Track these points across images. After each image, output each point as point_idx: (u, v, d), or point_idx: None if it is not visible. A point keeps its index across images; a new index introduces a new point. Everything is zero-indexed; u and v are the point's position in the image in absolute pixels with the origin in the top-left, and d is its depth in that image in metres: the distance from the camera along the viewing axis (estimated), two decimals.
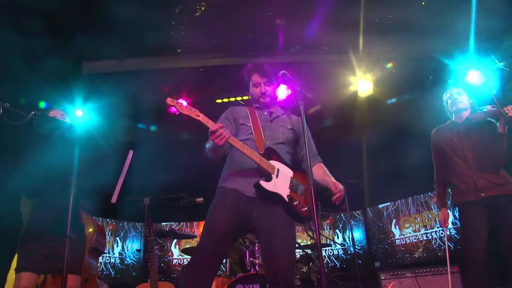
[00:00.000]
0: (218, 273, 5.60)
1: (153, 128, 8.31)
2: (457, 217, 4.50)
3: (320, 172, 3.49)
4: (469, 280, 4.12)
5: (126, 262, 8.18)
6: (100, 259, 7.68)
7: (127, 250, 8.26)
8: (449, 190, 4.52)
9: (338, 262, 8.06)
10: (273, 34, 6.49)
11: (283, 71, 3.45)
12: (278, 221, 3.13)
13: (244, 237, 6.12)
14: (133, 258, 8.32)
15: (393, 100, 7.87)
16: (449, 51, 6.58)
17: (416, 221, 7.59)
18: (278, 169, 3.20)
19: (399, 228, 7.78)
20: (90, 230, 4.67)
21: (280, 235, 3.06)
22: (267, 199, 3.13)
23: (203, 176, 7.94)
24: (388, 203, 8.04)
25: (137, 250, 8.31)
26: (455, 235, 7.00)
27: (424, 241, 7.39)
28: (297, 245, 6.11)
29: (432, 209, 7.44)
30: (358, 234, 8.28)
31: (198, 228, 8.67)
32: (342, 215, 8.28)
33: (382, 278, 6.57)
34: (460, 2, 5.80)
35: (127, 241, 8.32)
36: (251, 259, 5.36)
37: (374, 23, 6.25)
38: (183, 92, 7.58)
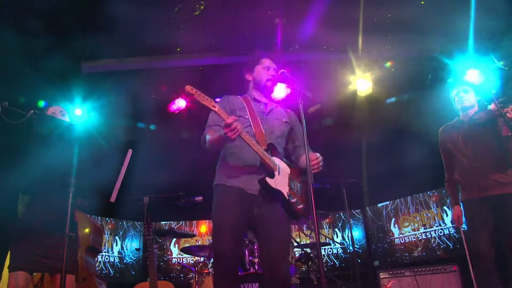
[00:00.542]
0: None
1: (152, 127, 8.30)
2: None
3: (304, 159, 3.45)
4: (478, 278, 4.12)
5: (125, 261, 8.17)
6: (100, 258, 7.68)
7: (126, 249, 8.26)
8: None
9: (337, 261, 8.07)
10: (273, 33, 6.48)
11: (282, 70, 3.46)
12: (277, 219, 3.13)
13: (244, 237, 6.13)
14: (132, 257, 8.32)
15: (393, 99, 7.87)
16: (448, 50, 6.58)
17: (415, 220, 7.60)
18: (279, 166, 3.19)
19: (398, 227, 7.79)
20: (87, 229, 4.67)
21: (278, 234, 3.07)
22: (268, 196, 3.13)
23: (202, 175, 7.95)
24: (388, 202, 8.04)
25: (136, 249, 8.31)
26: (454, 234, 7.01)
27: (423, 240, 7.39)
28: (296, 244, 6.12)
29: (431, 208, 7.44)
30: (358, 233, 8.29)
31: (198, 227, 8.67)
32: (342, 214, 8.29)
33: (381, 277, 6.58)
34: (460, 2, 5.80)
35: (126, 240, 8.31)
36: (251, 258, 5.35)
37: (374, 22, 6.25)
38: (182, 91, 7.58)
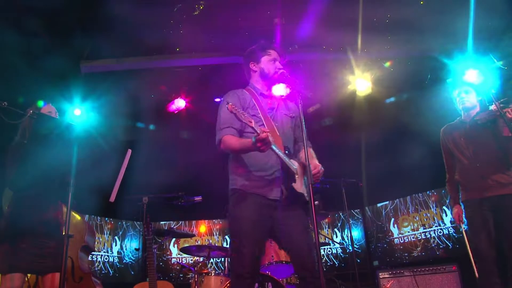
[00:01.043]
0: (217, 272, 5.60)
1: (151, 127, 8.30)
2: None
3: (309, 153, 3.43)
4: (479, 277, 4.13)
5: (124, 261, 8.17)
6: (99, 258, 7.68)
7: (126, 249, 8.25)
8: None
9: (336, 261, 8.07)
10: (272, 33, 6.48)
11: (281, 70, 3.44)
12: (300, 218, 3.11)
13: None
14: (132, 257, 8.32)
15: (392, 99, 7.87)
16: (448, 50, 6.58)
17: (415, 220, 7.60)
18: (296, 168, 3.16)
19: (397, 227, 7.79)
20: (82, 229, 4.67)
21: (302, 231, 3.05)
22: (290, 199, 3.10)
23: (201, 175, 7.98)
24: (387, 202, 8.04)
25: (136, 249, 8.31)
26: (454, 234, 7.01)
27: (422, 240, 7.39)
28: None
29: (430, 208, 7.44)
30: (357, 233, 8.28)
31: (197, 227, 8.66)
32: (341, 213, 8.28)
33: (381, 277, 6.58)
34: (459, 1, 5.80)
35: (126, 240, 8.31)
36: None
37: (373, 22, 6.25)
38: (181, 91, 7.59)
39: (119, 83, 6.88)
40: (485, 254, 4.03)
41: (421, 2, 6.01)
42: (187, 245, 6.47)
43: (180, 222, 8.71)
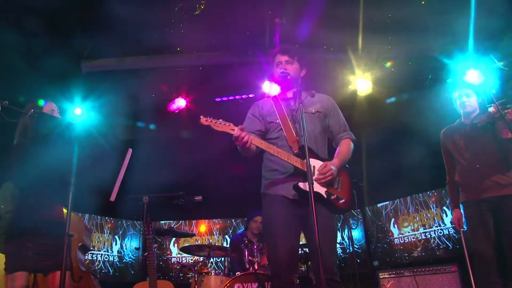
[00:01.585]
0: (217, 271, 5.61)
1: (152, 126, 8.31)
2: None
3: (337, 150, 3.49)
4: (478, 278, 4.16)
5: (124, 260, 8.17)
6: (99, 257, 7.69)
7: (126, 249, 8.25)
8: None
9: (337, 261, 8.06)
10: (272, 32, 6.48)
11: (282, 70, 3.46)
12: (320, 218, 3.12)
13: (243, 236, 6.13)
14: (132, 257, 8.32)
15: (392, 99, 7.87)
16: (448, 50, 6.58)
17: (415, 220, 7.59)
18: (313, 166, 3.19)
19: (397, 227, 7.78)
20: (80, 228, 4.68)
21: (322, 230, 3.01)
22: (307, 198, 3.12)
23: (202, 174, 7.99)
24: (387, 202, 8.04)
25: (136, 249, 8.31)
26: (454, 234, 7.01)
27: (422, 240, 7.39)
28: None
29: (430, 208, 7.44)
30: (357, 233, 8.28)
31: (197, 226, 8.67)
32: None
33: (381, 277, 6.58)
34: (460, 2, 5.80)
35: (126, 239, 8.31)
36: (250, 257, 5.35)
37: (374, 22, 6.25)
38: (182, 91, 7.59)
39: (119, 83, 6.88)
40: (484, 254, 4.04)
41: (422, 2, 6.01)
42: (187, 244, 6.47)
43: (180, 222, 8.71)
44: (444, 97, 4.92)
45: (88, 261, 7.43)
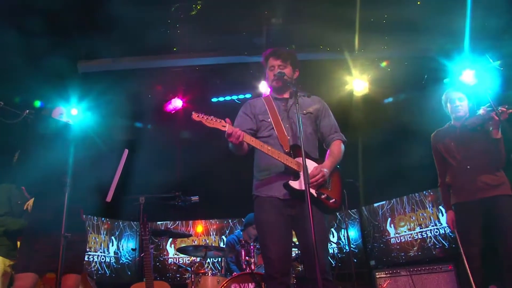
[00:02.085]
0: (213, 272, 5.61)
1: (148, 127, 8.30)
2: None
3: (328, 152, 3.52)
4: (466, 277, 4.18)
5: (121, 261, 8.16)
6: (95, 258, 7.66)
7: (123, 249, 8.24)
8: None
9: (333, 261, 8.07)
10: (269, 33, 6.49)
11: (279, 70, 3.48)
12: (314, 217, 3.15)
13: (239, 237, 6.13)
14: (129, 257, 8.31)
15: (389, 99, 7.89)
16: (445, 50, 6.60)
17: (411, 219, 7.60)
18: (304, 165, 3.20)
19: (394, 226, 7.80)
20: None
21: (314, 229, 3.06)
22: (298, 197, 3.16)
23: (198, 175, 7.98)
24: (383, 202, 8.05)
25: (133, 249, 8.30)
26: (450, 234, 7.02)
27: (419, 240, 7.40)
28: (292, 244, 6.12)
29: (427, 208, 7.45)
30: (354, 232, 8.29)
31: (194, 227, 8.66)
32: (337, 213, 8.29)
33: (377, 276, 6.59)
34: (456, 1, 5.82)
35: (123, 240, 8.29)
36: (247, 258, 5.36)
37: (370, 22, 6.27)
38: (179, 91, 7.59)
39: (116, 83, 6.87)
40: (475, 255, 4.12)
41: (418, 2, 6.02)
42: (184, 245, 6.47)
43: (177, 222, 8.70)
44: (440, 97, 4.94)
45: (84, 262, 7.40)
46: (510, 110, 4.09)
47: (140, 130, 8.21)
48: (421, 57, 6.97)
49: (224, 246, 6.94)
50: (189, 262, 7.65)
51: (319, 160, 3.40)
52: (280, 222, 3.22)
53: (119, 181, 3.38)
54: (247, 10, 6.08)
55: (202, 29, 6.34)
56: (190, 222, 8.71)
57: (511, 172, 4.45)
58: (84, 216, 3.76)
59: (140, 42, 6.39)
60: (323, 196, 3.28)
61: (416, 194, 7.64)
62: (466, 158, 4.35)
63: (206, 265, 7.86)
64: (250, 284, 4.93)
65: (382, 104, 7.85)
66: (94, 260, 7.68)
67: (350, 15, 5.99)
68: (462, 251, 4.49)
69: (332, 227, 8.37)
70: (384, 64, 7.12)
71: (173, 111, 7.65)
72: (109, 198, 3.32)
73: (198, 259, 6.03)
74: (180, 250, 5.73)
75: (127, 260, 8.28)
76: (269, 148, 3.19)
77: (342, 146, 3.57)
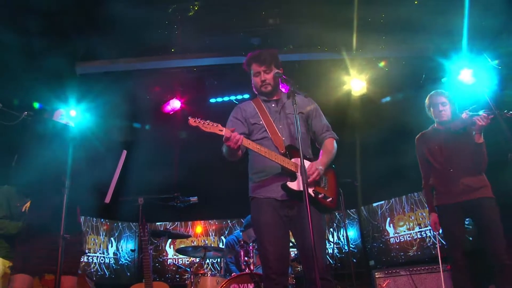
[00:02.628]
0: (213, 272, 5.60)
1: (147, 127, 8.29)
2: None
3: (321, 150, 3.53)
4: (455, 279, 4.25)
5: (120, 262, 8.16)
6: (95, 259, 7.66)
7: (122, 250, 8.24)
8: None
9: (332, 261, 8.08)
10: (267, 33, 6.49)
11: (277, 71, 3.48)
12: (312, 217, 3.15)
13: (238, 237, 6.13)
14: (128, 258, 8.30)
15: (387, 98, 7.89)
16: (442, 50, 6.60)
17: (410, 219, 7.61)
18: (300, 166, 3.21)
19: (393, 226, 7.80)
20: None
21: (313, 230, 3.05)
22: (296, 198, 3.17)
23: (197, 176, 7.98)
24: (383, 202, 8.05)
25: (132, 250, 8.30)
26: None
27: (418, 239, 7.41)
28: (291, 244, 6.13)
29: (426, 207, 7.45)
30: (353, 232, 8.30)
31: (193, 227, 8.66)
32: (337, 213, 8.29)
33: (377, 276, 6.59)
34: (454, 1, 5.82)
35: (122, 241, 8.29)
36: (246, 258, 5.36)
37: (368, 22, 6.27)
38: (176, 92, 7.59)
39: (114, 84, 6.86)
40: (459, 256, 4.18)
41: (415, 2, 6.03)
42: (183, 246, 6.46)
43: (176, 223, 8.70)
44: None
45: (83, 263, 7.41)
46: (492, 116, 4.14)
47: (138, 131, 8.20)
48: (419, 56, 6.98)
49: (223, 247, 6.94)
50: (188, 262, 7.66)
51: (313, 159, 3.42)
52: (277, 223, 3.22)
53: (117, 182, 3.38)
54: (244, 10, 6.09)
55: (199, 30, 6.34)
56: (189, 223, 8.72)
57: (510, 172, 4.48)
58: (81, 217, 3.74)
59: (138, 43, 6.39)
60: (320, 196, 3.28)
61: (415, 194, 7.65)
62: (450, 161, 4.42)
63: (205, 266, 7.86)
64: (249, 284, 4.93)
65: (380, 104, 7.86)
66: (94, 261, 7.68)
67: (348, 15, 6.00)
68: (439, 253, 4.59)
69: (331, 227, 8.37)
70: (382, 64, 7.13)
71: (171, 112, 7.65)
72: (107, 200, 3.31)
73: (197, 260, 6.03)
74: (179, 251, 5.72)
75: (127, 261, 8.27)
76: (266, 150, 3.18)
77: (335, 144, 3.58)
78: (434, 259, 6.95)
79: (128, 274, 8.21)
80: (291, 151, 3.28)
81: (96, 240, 7.83)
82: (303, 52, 6.93)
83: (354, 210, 8.38)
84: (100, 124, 7.03)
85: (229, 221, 8.71)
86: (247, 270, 5.17)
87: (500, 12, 5.70)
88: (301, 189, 3.12)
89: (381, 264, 7.62)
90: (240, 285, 4.94)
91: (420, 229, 7.44)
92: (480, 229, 4.23)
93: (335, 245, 8.18)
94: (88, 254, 7.55)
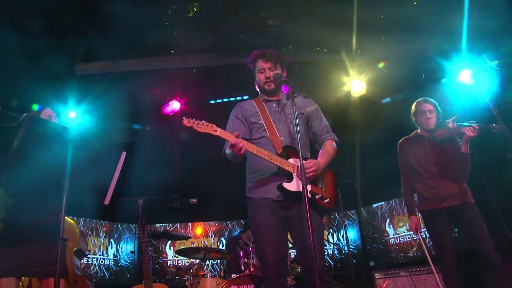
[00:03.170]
0: (213, 274, 5.60)
1: (147, 128, 8.29)
2: None
3: (320, 151, 3.53)
4: (445, 282, 4.29)
5: (120, 264, 8.15)
6: (95, 261, 7.66)
7: (122, 252, 8.23)
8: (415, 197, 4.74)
9: (332, 262, 8.07)
10: (266, 34, 6.49)
11: (276, 71, 3.48)
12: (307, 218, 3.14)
13: (238, 238, 6.12)
14: (128, 260, 8.30)
15: (387, 99, 7.89)
16: (442, 50, 6.60)
17: None
18: (297, 167, 3.21)
19: (393, 227, 7.80)
20: (76, 233, 4.66)
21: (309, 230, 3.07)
22: (293, 199, 3.17)
23: (197, 177, 7.97)
24: (382, 203, 8.05)
25: (132, 252, 8.29)
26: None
27: (418, 240, 7.40)
28: (290, 245, 6.12)
29: None
30: (353, 233, 8.29)
31: (193, 229, 8.65)
32: (337, 214, 8.29)
33: (377, 277, 6.59)
34: (453, 1, 5.82)
35: (121, 242, 8.29)
36: (245, 259, 5.36)
37: (367, 23, 6.27)
38: (176, 93, 7.58)
39: (114, 85, 6.86)
40: (448, 259, 4.23)
41: (414, 3, 6.03)
42: (183, 247, 6.47)
43: (176, 224, 8.69)
44: (438, 97, 4.94)
45: (83, 265, 7.40)
46: (477, 127, 4.19)
47: (138, 132, 8.20)
48: (419, 57, 6.98)
49: (223, 248, 6.93)
50: (188, 264, 7.65)
51: (311, 159, 3.40)
52: (275, 224, 3.21)
53: (117, 184, 3.37)
54: (244, 11, 6.08)
55: (199, 31, 6.34)
56: (189, 224, 8.71)
57: (510, 172, 4.49)
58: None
59: (137, 44, 6.39)
60: (317, 197, 3.28)
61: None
62: (434, 167, 4.49)
63: (205, 267, 7.86)
64: (249, 285, 4.93)
65: (380, 105, 7.85)
66: (93, 263, 7.67)
67: (347, 16, 5.99)
68: (427, 254, 4.79)
69: (331, 228, 8.37)
70: (381, 65, 7.13)
71: (171, 113, 7.64)
72: (107, 201, 3.31)
73: (197, 261, 6.03)
74: (179, 252, 5.72)
75: (126, 263, 8.27)
76: (266, 152, 3.18)
77: (335, 146, 3.58)
78: (434, 259, 6.95)
79: (128, 275, 8.20)
80: (288, 152, 3.27)
81: (96, 242, 7.83)
82: (303, 53, 6.92)
83: (354, 211, 8.38)
84: (99, 126, 7.03)
85: (229, 223, 8.70)
86: (246, 271, 5.17)
87: (500, 12, 5.69)
88: (298, 189, 3.13)
89: (381, 265, 7.62)
90: (240, 286, 4.94)
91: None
92: (466, 233, 4.29)
93: (335, 246, 8.17)
94: (88, 255, 7.54)
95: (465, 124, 4.25)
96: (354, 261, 7.87)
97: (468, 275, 4.37)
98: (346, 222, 8.20)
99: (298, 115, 3.50)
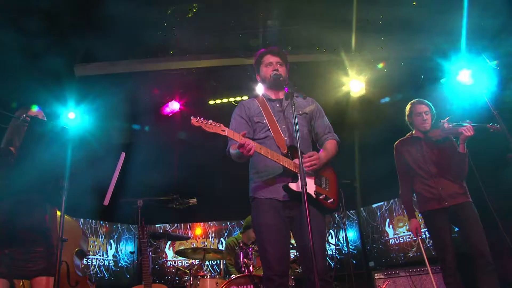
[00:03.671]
0: (212, 274, 5.60)
1: (146, 129, 8.29)
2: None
3: (321, 150, 3.52)
4: (446, 283, 4.28)
5: (120, 264, 8.15)
6: (94, 261, 7.66)
7: (121, 253, 8.23)
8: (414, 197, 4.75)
9: (332, 262, 8.07)
10: (265, 34, 6.49)
11: (275, 72, 3.48)
12: (313, 219, 3.13)
13: (239, 239, 6.12)
14: (127, 261, 8.29)
15: (386, 99, 7.89)
16: (441, 50, 6.61)
17: None
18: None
19: (392, 227, 7.80)
20: (78, 233, 4.66)
21: (314, 231, 3.01)
22: (298, 199, 3.14)
23: (196, 178, 7.97)
24: (382, 203, 8.05)
25: (131, 252, 8.28)
26: None
27: (417, 240, 7.40)
28: (290, 245, 6.12)
29: None
30: (352, 234, 8.29)
31: (192, 229, 8.65)
32: (336, 215, 8.28)
33: (376, 277, 6.59)
34: (452, 1, 5.82)
35: (121, 243, 8.29)
36: (245, 260, 5.35)
37: (366, 23, 6.27)
38: (175, 94, 7.58)
39: (113, 86, 6.86)
40: (449, 259, 4.23)
41: (413, 3, 6.03)
42: (182, 248, 6.46)
43: (176, 225, 8.69)
44: (437, 97, 4.96)
45: (83, 265, 7.40)
46: (472, 127, 4.20)
47: (137, 132, 8.19)
48: (418, 57, 6.98)
49: (223, 249, 6.93)
50: (187, 264, 7.65)
51: (313, 151, 3.40)
52: (278, 224, 3.21)
53: (116, 184, 3.37)
54: (243, 12, 6.09)
55: (198, 31, 6.34)
56: (189, 224, 8.71)
57: (506, 172, 4.51)
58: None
59: (137, 45, 6.39)
60: (321, 197, 3.28)
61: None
62: (433, 167, 4.49)
63: (205, 268, 7.85)
64: (248, 286, 4.92)
65: (379, 105, 7.85)
66: (93, 263, 7.67)
67: (347, 16, 6.00)
68: (425, 255, 4.82)
69: (331, 229, 8.36)
70: (381, 65, 7.13)
71: (171, 114, 7.64)
72: (106, 202, 3.30)
73: (196, 262, 6.02)
74: (179, 252, 5.71)
75: (126, 263, 8.26)
76: (275, 153, 3.18)
77: (337, 146, 3.58)
78: (434, 260, 6.95)
79: (128, 276, 8.20)
80: (293, 152, 3.27)
81: (96, 242, 7.83)
82: (302, 53, 6.92)
83: (354, 211, 8.38)
84: (99, 126, 7.03)
85: (228, 223, 8.70)
86: (246, 272, 5.16)
87: (499, 12, 5.70)
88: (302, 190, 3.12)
89: (380, 265, 7.61)
90: (239, 286, 4.93)
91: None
92: (465, 232, 4.28)
93: (334, 247, 8.17)
94: (88, 256, 7.54)
95: (461, 124, 4.27)
96: (354, 261, 7.86)
97: (468, 275, 4.36)
98: (346, 222, 8.19)
99: (302, 115, 3.52)
